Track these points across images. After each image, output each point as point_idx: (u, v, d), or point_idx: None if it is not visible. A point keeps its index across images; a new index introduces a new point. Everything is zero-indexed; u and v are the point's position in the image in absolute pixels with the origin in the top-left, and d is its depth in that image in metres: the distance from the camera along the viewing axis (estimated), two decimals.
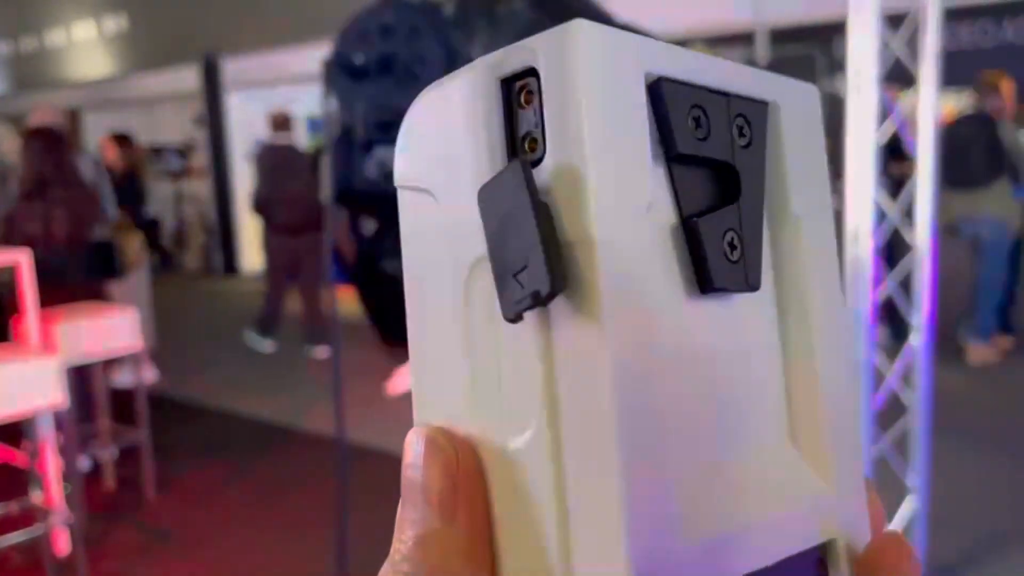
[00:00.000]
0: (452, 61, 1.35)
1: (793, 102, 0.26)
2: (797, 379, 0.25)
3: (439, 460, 0.22)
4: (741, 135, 0.24)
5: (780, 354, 0.25)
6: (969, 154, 4.88)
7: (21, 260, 3.04)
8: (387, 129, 1.33)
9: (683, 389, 0.23)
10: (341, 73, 1.32)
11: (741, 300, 0.24)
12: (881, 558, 0.24)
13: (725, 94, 0.24)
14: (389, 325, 2.00)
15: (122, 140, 5.92)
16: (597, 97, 0.21)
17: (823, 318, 0.25)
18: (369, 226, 1.67)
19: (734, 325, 0.24)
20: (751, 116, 0.25)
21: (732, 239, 0.23)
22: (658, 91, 0.22)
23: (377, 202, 1.45)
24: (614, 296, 0.21)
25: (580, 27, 0.22)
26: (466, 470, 0.22)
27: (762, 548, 0.23)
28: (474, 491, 0.22)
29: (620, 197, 0.21)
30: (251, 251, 9.95)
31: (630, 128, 0.22)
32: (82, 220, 3.88)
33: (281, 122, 6.10)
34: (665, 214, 0.23)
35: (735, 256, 0.23)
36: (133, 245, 4.96)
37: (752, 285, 0.24)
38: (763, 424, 0.25)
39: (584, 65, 0.21)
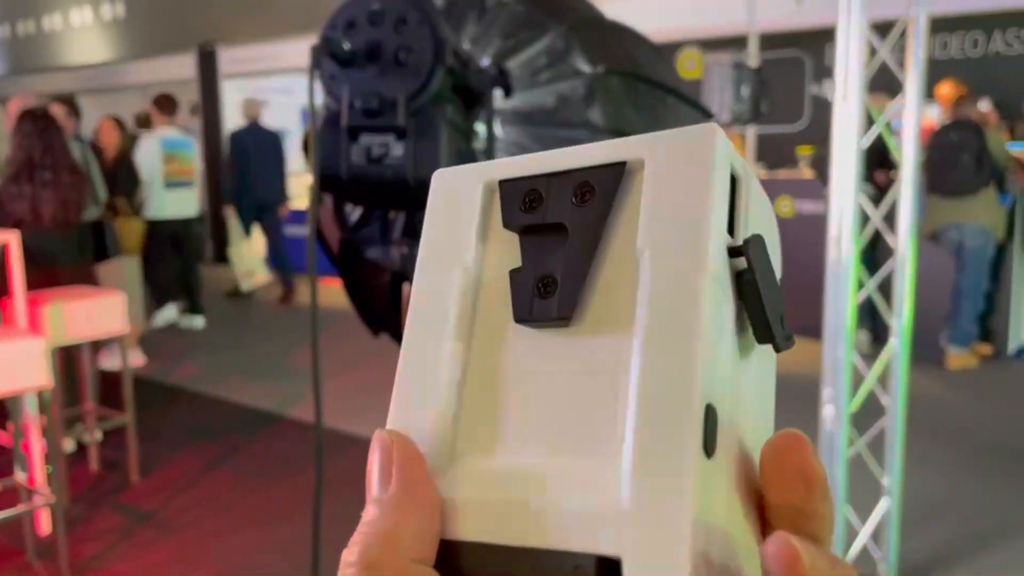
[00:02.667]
0: (440, 50, 1.38)
1: (671, 150, 0.28)
2: (627, 400, 0.26)
3: (378, 443, 0.27)
4: (582, 198, 0.29)
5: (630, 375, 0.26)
6: (958, 161, 4.92)
7: (9, 240, 3.05)
8: (373, 116, 1.35)
9: (487, 398, 0.28)
10: (328, 59, 1.34)
11: (587, 329, 0.27)
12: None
13: (568, 171, 0.29)
14: (372, 313, 2.02)
15: (114, 124, 5.91)
16: (437, 209, 0.31)
17: (652, 337, 0.26)
18: (354, 213, 1.70)
19: (571, 351, 0.28)
20: (598, 179, 0.29)
21: (547, 281, 0.28)
22: (501, 188, 0.30)
23: (362, 188, 1.48)
24: (411, 325, 0.29)
25: (436, 176, 0.32)
26: (399, 446, 0.27)
27: (541, 532, 0.25)
28: (408, 461, 0.27)
29: (439, 263, 0.30)
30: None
31: (459, 222, 0.31)
32: (70, 203, 3.87)
33: (142, 121, 7.07)
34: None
35: (546, 294, 0.28)
36: (134, 231, 4.98)
37: (559, 318, 0.27)
38: (587, 437, 0.26)
39: (432, 196, 0.32)
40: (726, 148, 0.27)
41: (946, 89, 5.25)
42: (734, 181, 0.28)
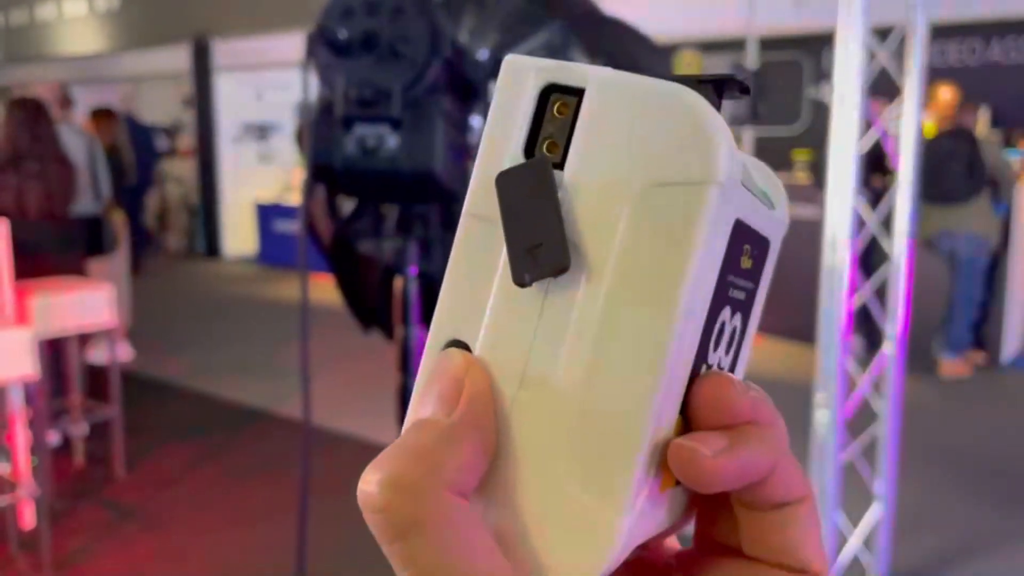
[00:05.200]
0: (437, 42, 1.35)
1: None
2: None
3: (447, 365, 0.24)
4: None
5: None
6: (949, 169, 4.92)
7: None
8: (367, 106, 1.32)
9: None
10: (323, 48, 1.32)
11: None
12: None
13: None
14: (364, 309, 1.99)
15: (105, 115, 5.84)
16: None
17: None
18: (347, 206, 1.67)
19: None
20: None
21: None
22: None
23: (355, 180, 1.45)
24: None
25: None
26: (473, 379, 0.24)
27: None
28: (479, 397, 0.24)
29: None
30: (234, 235, 9.89)
31: None
32: (56, 196, 3.83)
33: None
34: None
35: None
36: (116, 222, 4.91)
37: None
38: None
39: None
40: (524, 66, 0.27)
41: (945, 95, 5.17)
42: (579, 98, 0.26)
